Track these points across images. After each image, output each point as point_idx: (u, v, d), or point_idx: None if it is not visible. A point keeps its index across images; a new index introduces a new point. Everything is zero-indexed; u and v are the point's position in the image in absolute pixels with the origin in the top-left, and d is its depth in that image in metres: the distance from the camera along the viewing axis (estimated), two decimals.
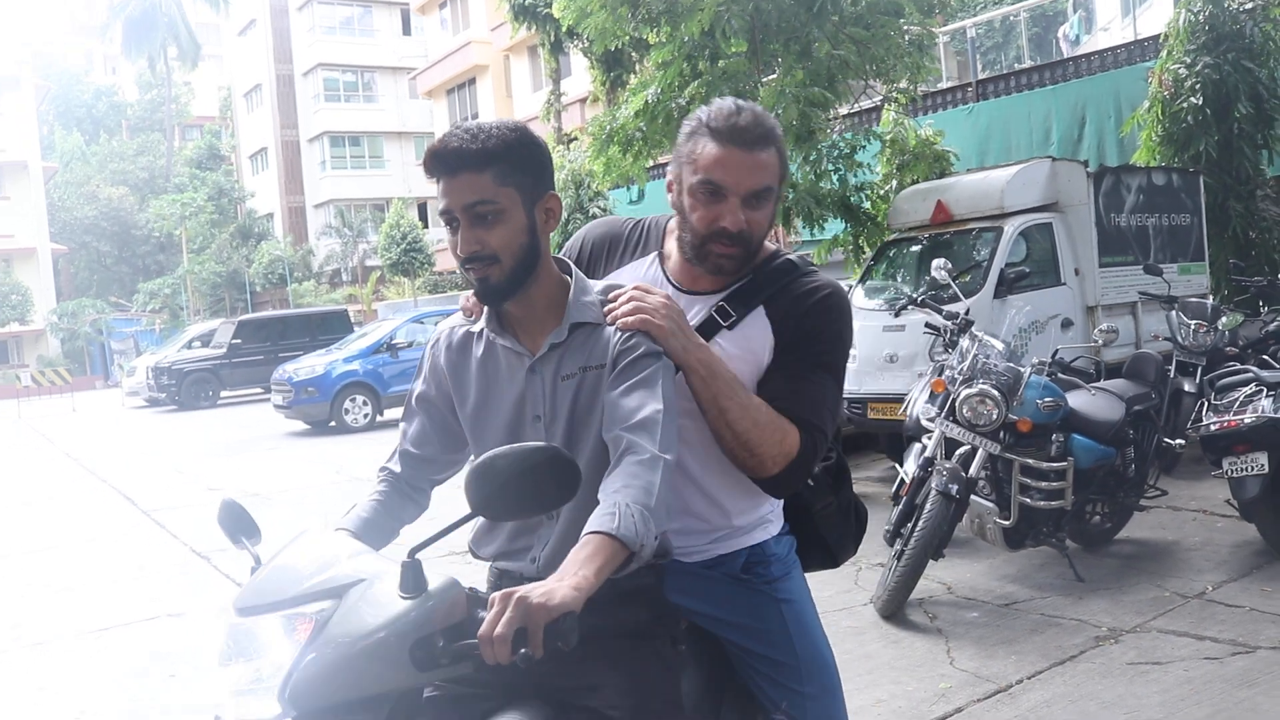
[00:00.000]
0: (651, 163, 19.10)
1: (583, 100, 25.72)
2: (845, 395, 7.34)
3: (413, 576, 1.55)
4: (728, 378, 1.95)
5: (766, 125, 2.02)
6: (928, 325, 6.12)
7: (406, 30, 47.65)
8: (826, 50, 8.89)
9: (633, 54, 17.88)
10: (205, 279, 43.37)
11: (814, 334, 2.04)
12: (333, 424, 16.03)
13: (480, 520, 1.97)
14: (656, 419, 1.81)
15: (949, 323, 5.69)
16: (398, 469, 2.13)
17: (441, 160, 1.85)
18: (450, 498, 2.02)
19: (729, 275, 2.08)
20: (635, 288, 1.96)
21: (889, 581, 4.98)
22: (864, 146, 9.94)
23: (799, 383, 2.00)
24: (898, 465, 6.10)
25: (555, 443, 1.87)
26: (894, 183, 10.70)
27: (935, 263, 6.04)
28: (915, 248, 8.81)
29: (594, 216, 19.34)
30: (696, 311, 2.08)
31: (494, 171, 1.83)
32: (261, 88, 50.24)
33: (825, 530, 2.31)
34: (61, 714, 4.66)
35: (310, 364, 16.66)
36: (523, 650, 1.47)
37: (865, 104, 11.31)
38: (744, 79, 8.85)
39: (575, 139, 23.64)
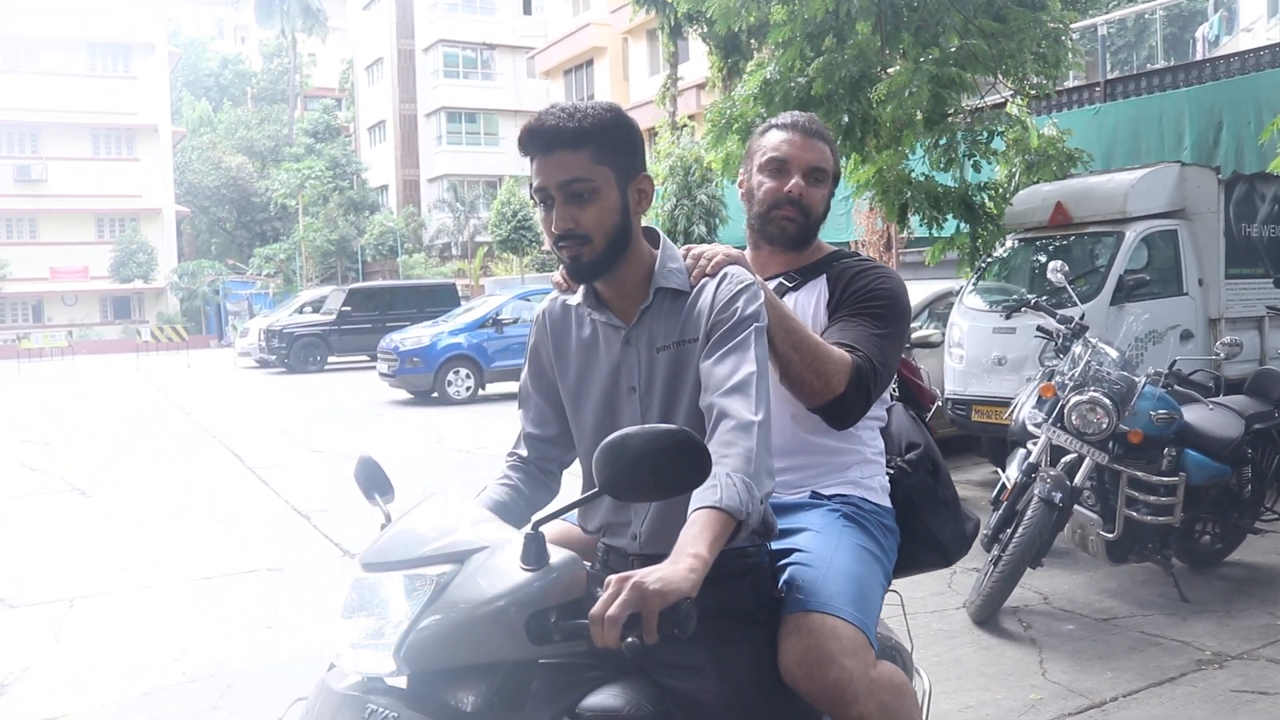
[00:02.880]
0: None
1: (699, 86, 25.61)
2: (950, 396, 7.19)
3: (535, 549, 1.55)
4: (789, 310, 2.15)
5: (820, 125, 2.46)
6: (1039, 329, 5.95)
7: (527, 9, 48.05)
8: (956, 41, 8.65)
9: (752, 41, 17.72)
10: (319, 246, 44.40)
11: (863, 291, 2.29)
12: (435, 395, 16.29)
13: (585, 486, 2.00)
14: (750, 380, 1.82)
15: (1062, 327, 5.52)
16: (524, 453, 2.15)
17: (538, 137, 1.86)
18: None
19: (790, 243, 2.41)
20: (700, 247, 2.07)
21: (984, 587, 4.87)
22: (999, 133, 9.64)
23: (847, 324, 2.24)
24: (1000, 470, 5.96)
25: (651, 414, 1.92)
26: (1015, 182, 10.42)
27: (1051, 265, 5.86)
28: (1031, 249, 8.58)
29: (701, 204, 19.27)
30: None
31: (590, 150, 1.85)
32: (383, 61, 51.17)
33: (934, 524, 2.38)
34: (165, 654, 4.81)
35: (416, 334, 16.94)
36: (629, 640, 1.47)
37: (990, 99, 11.02)
38: (871, 59, 8.64)
39: (687, 126, 23.58)
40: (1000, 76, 9.03)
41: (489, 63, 48.68)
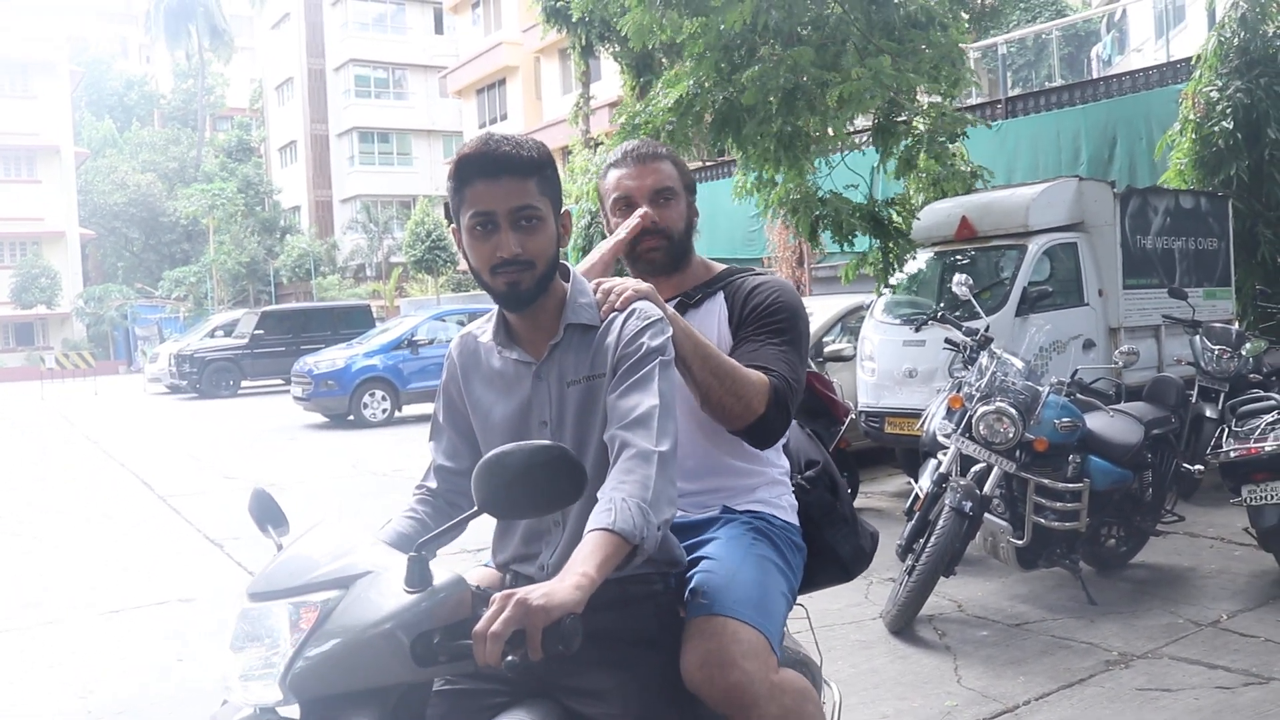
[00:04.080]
0: None
1: (612, 104, 25.71)
2: (863, 409, 7.32)
3: (419, 571, 1.55)
4: (704, 339, 2.16)
5: (655, 146, 2.46)
6: (947, 341, 6.10)
7: (439, 29, 47.88)
8: (856, 58, 8.80)
9: (663, 59, 17.85)
10: (230, 269, 43.62)
11: (764, 307, 2.31)
12: (351, 418, 16.09)
13: (495, 527, 2.06)
14: (652, 413, 1.84)
15: (968, 339, 5.66)
16: (434, 485, 2.14)
17: (487, 162, 1.87)
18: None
19: (664, 271, 2.40)
20: (610, 281, 2.10)
21: (899, 597, 4.96)
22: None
23: (757, 345, 2.26)
24: (913, 481, 6.07)
25: (561, 444, 1.89)
26: (921, 197, 10.63)
27: (956, 279, 6.01)
28: (938, 263, 8.77)
29: None
30: None
31: (536, 181, 1.90)
32: (293, 81, 50.56)
33: (834, 539, 2.43)
34: (70, 691, 4.68)
35: (331, 357, 16.74)
36: (509, 658, 1.47)
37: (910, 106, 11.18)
38: (808, 69, 8.72)
39: (602, 143, 23.67)
40: (899, 95, 9.20)
41: (401, 82, 48.41)
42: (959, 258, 8.60)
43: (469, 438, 2.12)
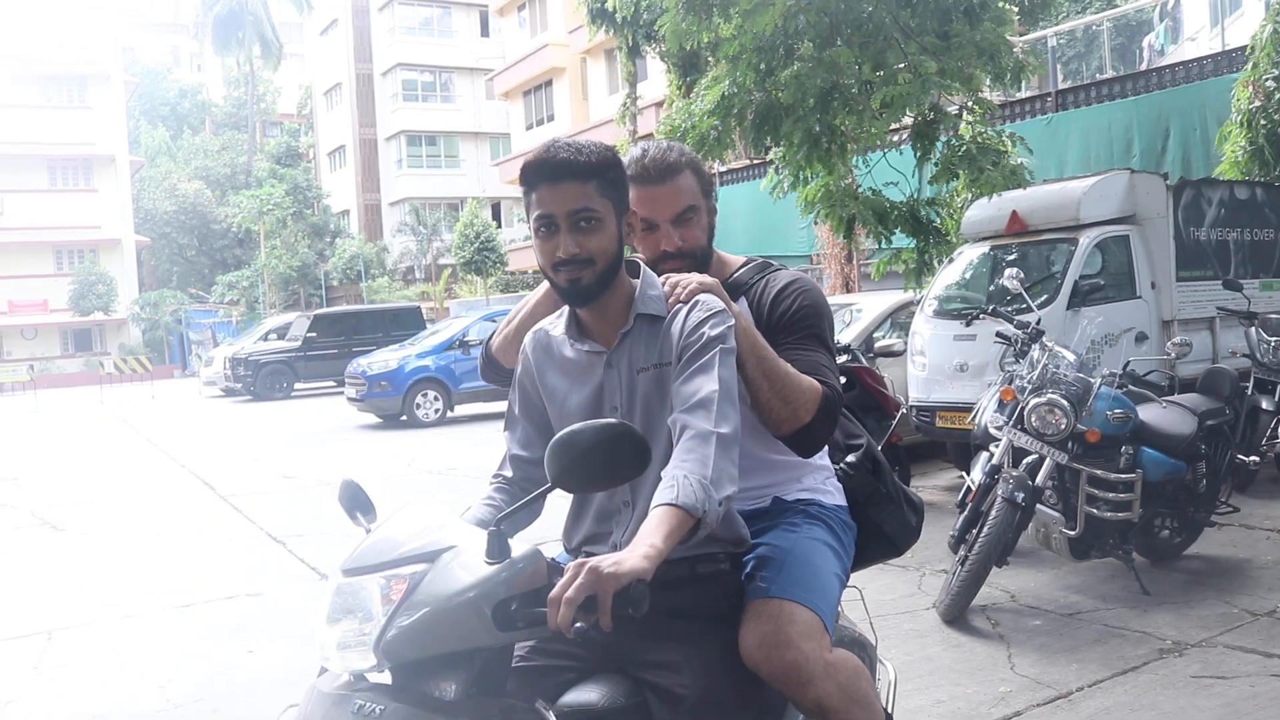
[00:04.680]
0: (724, 166, 19.02)
1: (659, 104, 25.80)
2: (914, 403, 7.38)
3: (498, 544, 1.67)
4: (761, 338, 2.19)
5: (669, 158, 2.38)
6: (998, 335, 6.12)
7: (485, 32, 48.19)
8: (899, 54, 8.82)
9: (709, 57, 17.93)
10: (281, 273, 44.24)
11: (793, 312, 2.31)
12: (404, 418, 16.31)
13: (568, 512, 2.19)
14: (711, 397, 1.94)
15: (1020, 332, 5.69)
16: (510, 473, 2.24)
17: (549, 168, 1.99)
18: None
19: None
20: (678, 275, 2.19)
21: (952, 587, 5.01)
22: (950, 140, 9.78)
23: (797, 352, 2.25)
24: (965, 474, 6.10)
25: None
26: (967, 195, 10.62)
27: (1007, 273, 6.03)
28: (989, 258, 8.77)
29: None
30: None
31: (595, 184, 2.00)
32: (341, 87, 51.13)
33: (880, 517, 2.50)
34: (149, 681, 4.85)
35: (384, 358, 16.96)
36: (578, 625, 1.58)
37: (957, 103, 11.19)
38: (844, 71, 8.77)
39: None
40: (944, 93, 9.22)
41: (448, 85, 48.77)
42: (1011, 252, 8.59)
43: (542, 428, 2.21)
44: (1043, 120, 15.15)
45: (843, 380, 7.86)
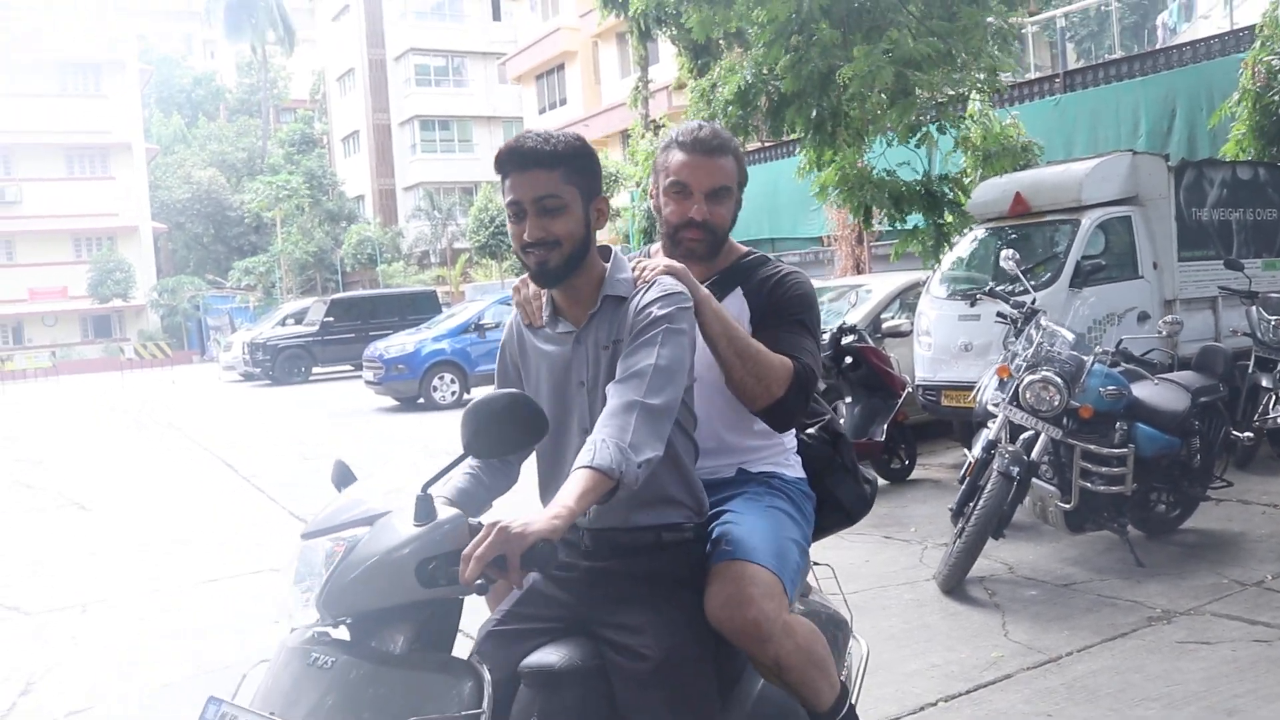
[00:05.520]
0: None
1: (670, 87, 25.89)
2: (920, 383, 7.52)
3: (424, 508, 1.86)
4: (731, 317, 2.33)
5: (723, 138, 2.51)
6: (999, 314, 6.29)
7: (497, 16, 48.23)
8: (910, 41, 8.96)
9: (721, 41, 18.00)
10: (297, 259, 44.53)
11: (782, 301, 2.45)
12: (421, 400, 16.54)
13: (538, 480, 2.34)
14: (646, 370, 2.06)
15: (1015, 311, 5.86)
16: None
17: (518, 157, 2.14)
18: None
19: (699, 260, 2.49)
20: (649, 260, 2.34)
21: (949, 558, 5.19)
22: (963, 117, 9.88)
23: (778, 333, 2.38)
24: (969, 451, 6.27)
25: (597, 407, 2.13)
26: (977, 175, 10.74)
27: (1003, 254, 6.20)
28: (993, 239, 8.91)
29: None
30: None
31: (561, 171, 2.13)
32: (354, 72, 51.27)
33: (836, 488, 2.64)
34: (179, 651, 5.07)
35: (400, 342, 17.18)
36: (479, 580, 1.75)
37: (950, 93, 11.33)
38: (835, 53, 8.92)
39: (663, 125, 23.85)
40: (955, 73, 9.34)
41: (460, 70, 48.83)
42: (1012, 233, 8.73)
43: None
44: (1051, 101, 15.23)
45: (849, 360, 8.08)
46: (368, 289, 37.88)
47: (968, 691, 3.95)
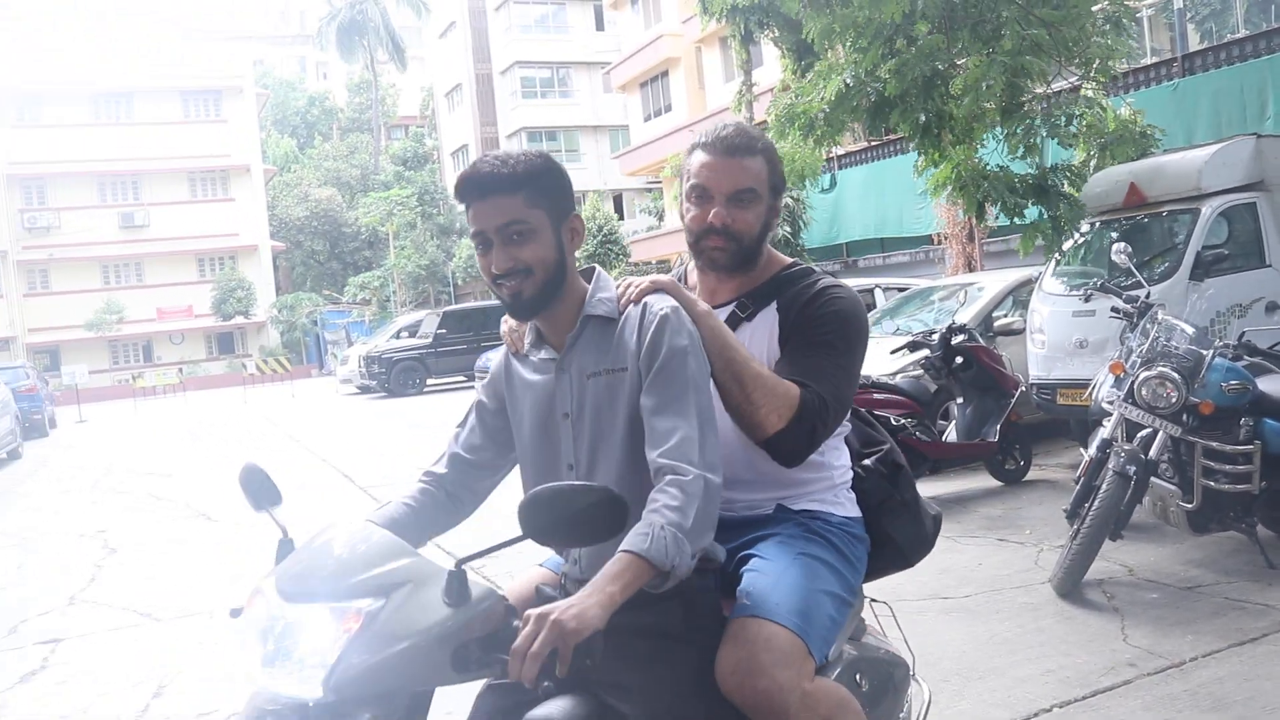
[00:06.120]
0: (841, 150, 18.87)
1: (775, 90, 25.75)
2: (1034, 381, 7.32)
3: (457, 585, 1.67)
4: (732, 337, 2.11)
5: (750, 136, 2.28)
6: (1113, 309, 6.09)
7: (600, 26, 48.61)
8: (1015, 32, 8.75)
9: (825, 42, 17.83)
10: (410, 273, 45.51)
11: (814, 319, 2.19)
12: None
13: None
14: (692, 439, 1.89)
15: (1128, 306, 5.67)
16: (443, 471, 2.24)
17: (474, 185, 1.99)
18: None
19: (724, 270, 2.29)
20: (633, 278, 2.14)
21: (1065, 560, 5.04)
22: (1077, 116, 9.62)
23: (798, 355, 2.16)
24: (1084, 450, 6.09)
25: (583, 440, 2.04)
26: (1093, 164, 10.42)
27: (1115, 247, 6.01)
28: (1108, 231, 8.65)
29: (786, 206, 19.35)
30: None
31: (524, 195, 1.98)
32: (462, 87, 52.23)
33: (891, 526, 2.37)
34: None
35: None
36: (545, 684, 1.62)
37: (1059, 85, 11.02)
38: (940, 55, 8.77)
39: (769, 129, 23.74)
40: (1064, 64, 9.08)
41: (565, 81, 49.36)
42: (1129, 224, 8.46)
43: (495, 435, 2.24)
44: (1169, 87, 14.71)
45: (959, 360, 7.92)
46: (479, 301, 38.48)
47: (1084, 697, 3.82)
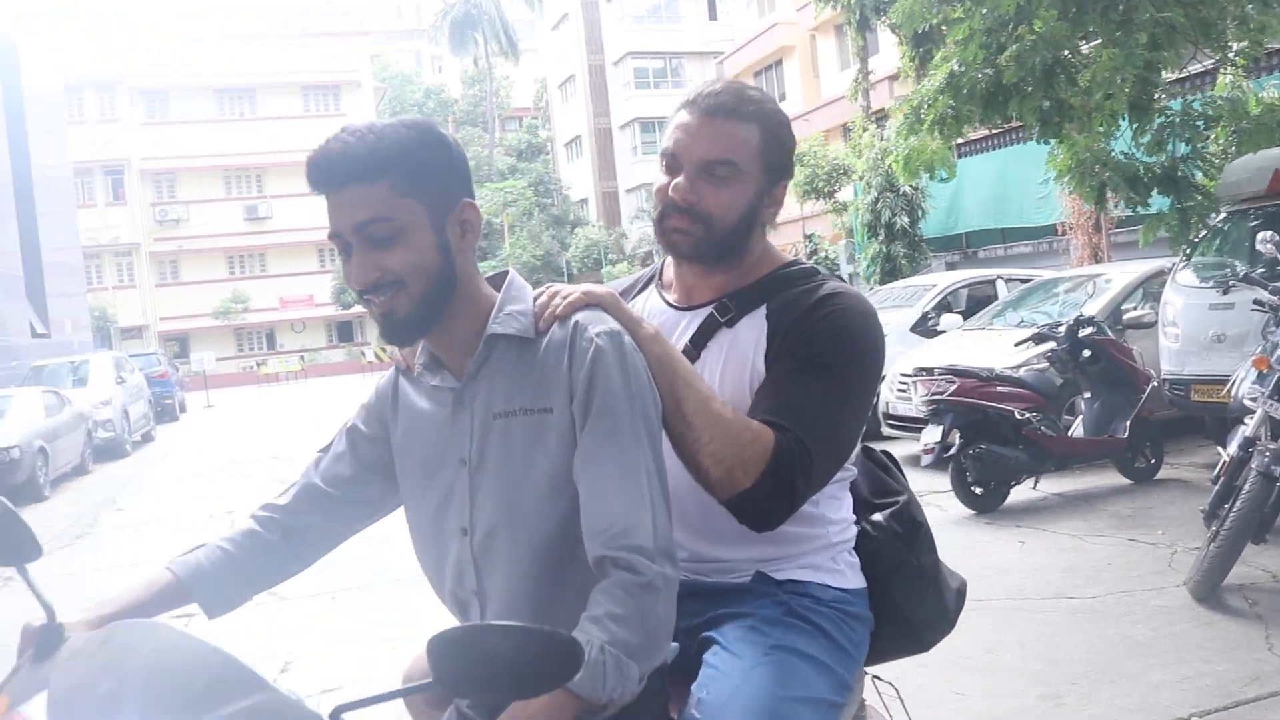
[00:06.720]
0: (961, 140, 18.63)
1: (892, 77, 25.35)
2: (1166, 376, 7.03)
3: None
4: (686, 368, 1.63)
5: (744, 99, 1.77)
6: (1256, 302, 5.82)
7: (713, 15, 48.50)
8: (1150, 16, 8.42)
9: (943, 29, 17.48)
10: (525, 263, 46.10)
11: (808, 334, 1.69)
12: None
13: (427, 576, 1.76)
14: (644, 519, 1.44)
15: (1275, 298, 5.41)
16: (287, 502, 1.78)
17: (324, 171, 1.49)
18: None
19: (686, 259, 1.82)
20: (562, 285, 1.68)
21: (1203, 563, 4.83)
22: (1211, 116, 9.25)
23: (784, 381, 1.67)
24: (1222, 449, 5.84)
25: (481, 493, 1.57)
26: (1230, 154, 9.98)
27: (1260, 235, 5.72)
28: (1246, 221, 8.28)
29: (904, 195, 19.04)
30: (686, 325, 1.83)
31: (389, 182, 1.48)
32: (575, 78, 52.61)
33: (904, 599, 1.87)
34: (422, 636, 5.28)
35: None
36: None
37: (1194, 69, 10.59)
38: (1064, 43, 8.50)
39: (888, 115, 23.35)
40: (1201, 48, 8.70)
41: (678, 71, 49.32)
42: (1273, 213, 8.08)
43: (371, 468, 1.77)
44: None
45: (1086, 354, 7.62)
46: None
47: (1226, 708, 3.66)
